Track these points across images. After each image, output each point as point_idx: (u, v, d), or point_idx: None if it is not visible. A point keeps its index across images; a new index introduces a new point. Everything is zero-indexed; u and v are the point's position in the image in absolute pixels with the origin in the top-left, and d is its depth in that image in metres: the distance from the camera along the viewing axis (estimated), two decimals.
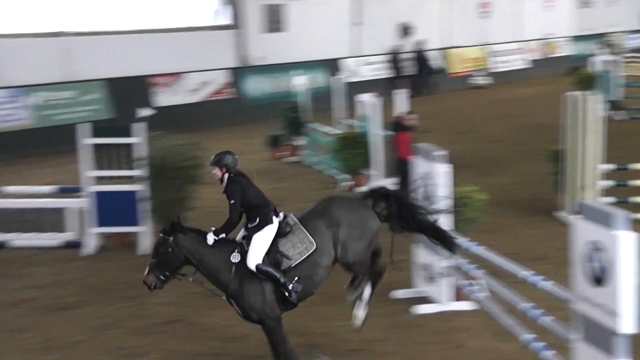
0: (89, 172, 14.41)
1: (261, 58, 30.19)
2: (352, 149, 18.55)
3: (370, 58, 34.35)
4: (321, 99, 24.28)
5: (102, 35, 25.95)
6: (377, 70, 34.11)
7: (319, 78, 30.30)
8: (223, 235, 9.75)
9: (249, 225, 9.88)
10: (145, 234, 14.41)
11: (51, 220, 14.83)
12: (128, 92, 25.12)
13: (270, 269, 9.50)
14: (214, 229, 9.68)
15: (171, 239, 9.57)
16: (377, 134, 18.45)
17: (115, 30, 26.41)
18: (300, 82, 22.24)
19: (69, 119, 23.55)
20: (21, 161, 22.01)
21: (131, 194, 14.40)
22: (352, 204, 10.58)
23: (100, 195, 14.42)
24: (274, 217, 9.95)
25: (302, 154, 21.99)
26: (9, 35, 24.08)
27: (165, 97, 26.37)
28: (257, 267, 9.42)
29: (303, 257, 9.72)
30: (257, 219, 9.86)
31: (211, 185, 16.83)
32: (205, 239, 9.69)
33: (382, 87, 27.84)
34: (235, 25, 29.78)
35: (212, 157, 10.43)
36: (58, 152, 21.51)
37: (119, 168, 14.57)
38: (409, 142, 15.21)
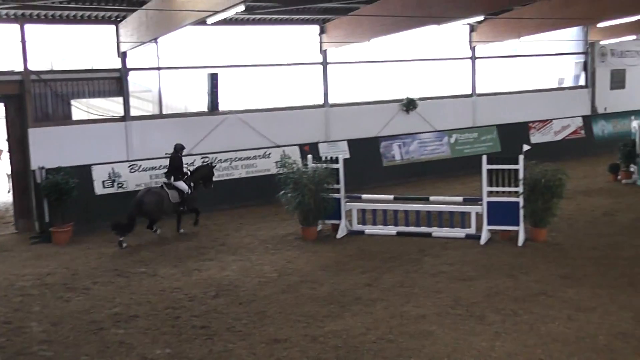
0: (486, 188, 14.21)
1: (605, 108, 28.37)
2: None
3: None
4: None
5: (493, 95, 25.64)
6: None
7: None
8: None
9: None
10: (521, 232, 13.94)
11: (459, 219, 14.84)
12: (512, 133, 24.60)
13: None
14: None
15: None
16: None
17: (502, 92, 26.00)
18: (635, 124, 20.44)
19: (472, 152, 23.55)
20: (442, 180, 22.25)
21: (513, 203, 14.00)
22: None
23: (492, 204, 14.18)
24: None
25: (635, 178, 20.16)
26: (434, 97, 24.50)
27: (537, 137, 25.52)
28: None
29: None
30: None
31: (568, 200, 16.18)
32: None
33: None
34: (589, 85, 28.22)
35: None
36: (465, 174, 21.54)
37: (505, 185, 14.21)
38: None
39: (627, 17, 21.54)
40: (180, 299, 11.42)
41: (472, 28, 24.44)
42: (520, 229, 13.96)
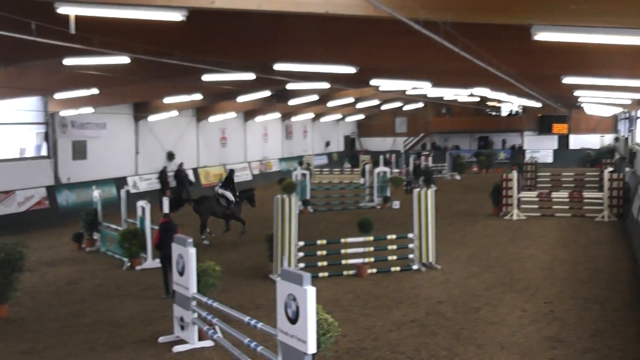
0: None
1: (69, 178, 29.02)
2: (132, 239, 18.06)
3: (145, 175, 33.81)
4: (112, 205, 23.66)
5: None
6: (150, 184, 33.73)
7: (111, 191, 29.58)
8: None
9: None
10: None
11: None
12: None
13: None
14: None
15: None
16: (148, 228, 18.14)
17: None
18: (97, 194, 21.43)
19: None
20: None
21: None
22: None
23: None
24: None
25: (98, 245, 20.99)
26: None
27: (0, 209, 24.71)
28: None
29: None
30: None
31: (32, 272, 16.04)
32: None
33: (154, 196, 27.62)
34: (51, 155, 28.51)
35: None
36: None
37: None
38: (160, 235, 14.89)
39: (81, 90, 22.58)
40: None
41: None
42: None
